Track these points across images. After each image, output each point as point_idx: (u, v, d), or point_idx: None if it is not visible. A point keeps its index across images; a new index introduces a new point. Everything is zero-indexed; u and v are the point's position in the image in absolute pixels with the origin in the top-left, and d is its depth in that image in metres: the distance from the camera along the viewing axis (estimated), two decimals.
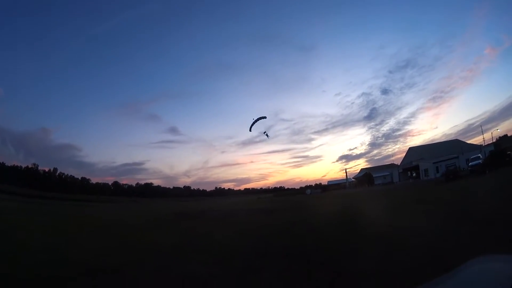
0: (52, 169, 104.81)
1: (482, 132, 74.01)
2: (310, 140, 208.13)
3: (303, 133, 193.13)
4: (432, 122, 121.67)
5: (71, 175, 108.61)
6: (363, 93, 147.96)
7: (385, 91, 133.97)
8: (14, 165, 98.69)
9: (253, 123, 19.46)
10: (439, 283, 0.91)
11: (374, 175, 58.66)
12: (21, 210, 19.99)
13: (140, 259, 6.24)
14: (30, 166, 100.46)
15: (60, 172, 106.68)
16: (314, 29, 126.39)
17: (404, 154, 54.75)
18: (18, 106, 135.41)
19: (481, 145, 40.86)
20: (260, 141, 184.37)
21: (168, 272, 5.14)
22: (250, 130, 19.20)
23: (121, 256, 6.56)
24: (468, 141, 48.91)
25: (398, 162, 56.28)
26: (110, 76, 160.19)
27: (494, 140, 42.04)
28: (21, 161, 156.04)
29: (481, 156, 29.34)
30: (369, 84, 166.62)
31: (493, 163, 24.06)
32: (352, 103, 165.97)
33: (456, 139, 52.62)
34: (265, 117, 20.15)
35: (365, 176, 62.26)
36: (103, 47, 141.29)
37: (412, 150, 50.52)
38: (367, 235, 7.31)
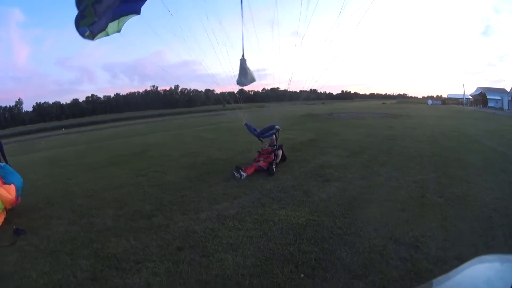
0: (173, 87, 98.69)
1: None
2: (428, 49, 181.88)
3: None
4: None
5: (194, 89, 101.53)
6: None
7: (496, 10, 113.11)
8: (130, 92, 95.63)
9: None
10: (439, 283, 0.89)
11: (488, 97, 56.88)
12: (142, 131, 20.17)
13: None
14: (148, 89, 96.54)
15: (182, 88, 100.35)
16: None
17: None
18: (126, 39, 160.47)
19: None
20: None
21: (308, 162, 6.41)
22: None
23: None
24: None
25: (509, 89, 50.49)
26: None
27: None
28: (137, 86, 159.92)
29: None
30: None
31: None
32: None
33: None
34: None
35: (481, 95, 60.88)
36: None
37: None
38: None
